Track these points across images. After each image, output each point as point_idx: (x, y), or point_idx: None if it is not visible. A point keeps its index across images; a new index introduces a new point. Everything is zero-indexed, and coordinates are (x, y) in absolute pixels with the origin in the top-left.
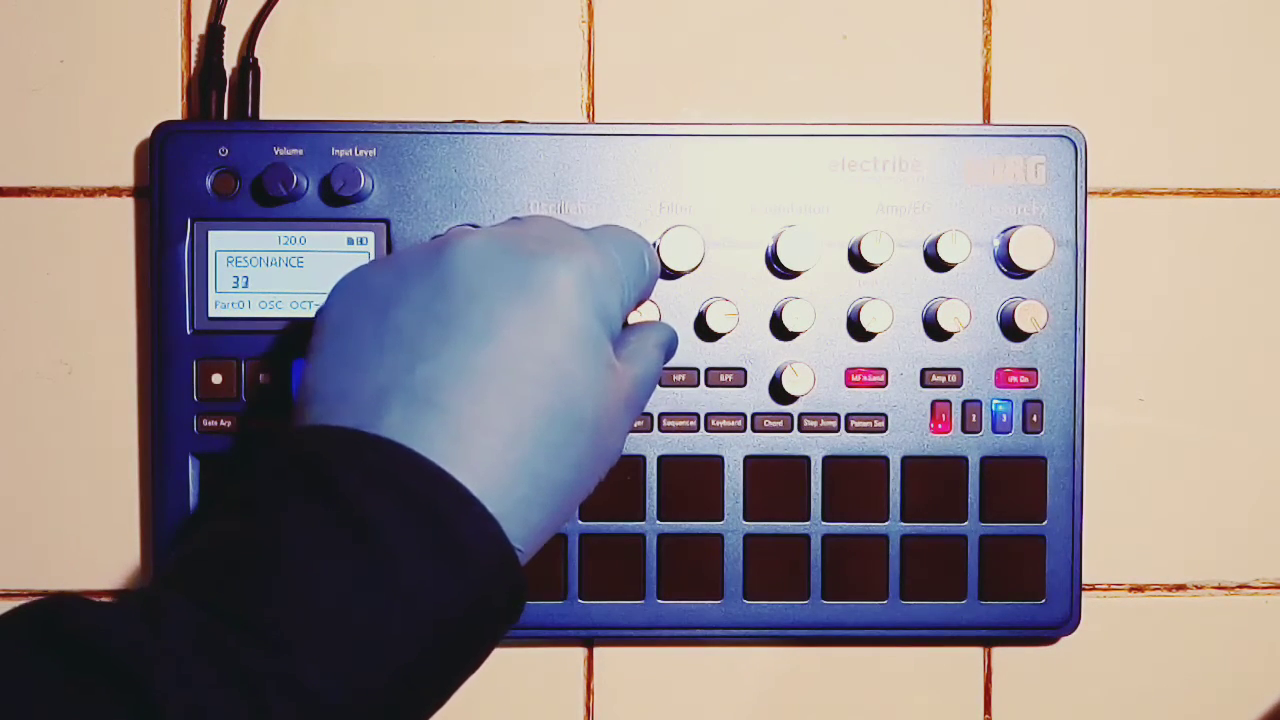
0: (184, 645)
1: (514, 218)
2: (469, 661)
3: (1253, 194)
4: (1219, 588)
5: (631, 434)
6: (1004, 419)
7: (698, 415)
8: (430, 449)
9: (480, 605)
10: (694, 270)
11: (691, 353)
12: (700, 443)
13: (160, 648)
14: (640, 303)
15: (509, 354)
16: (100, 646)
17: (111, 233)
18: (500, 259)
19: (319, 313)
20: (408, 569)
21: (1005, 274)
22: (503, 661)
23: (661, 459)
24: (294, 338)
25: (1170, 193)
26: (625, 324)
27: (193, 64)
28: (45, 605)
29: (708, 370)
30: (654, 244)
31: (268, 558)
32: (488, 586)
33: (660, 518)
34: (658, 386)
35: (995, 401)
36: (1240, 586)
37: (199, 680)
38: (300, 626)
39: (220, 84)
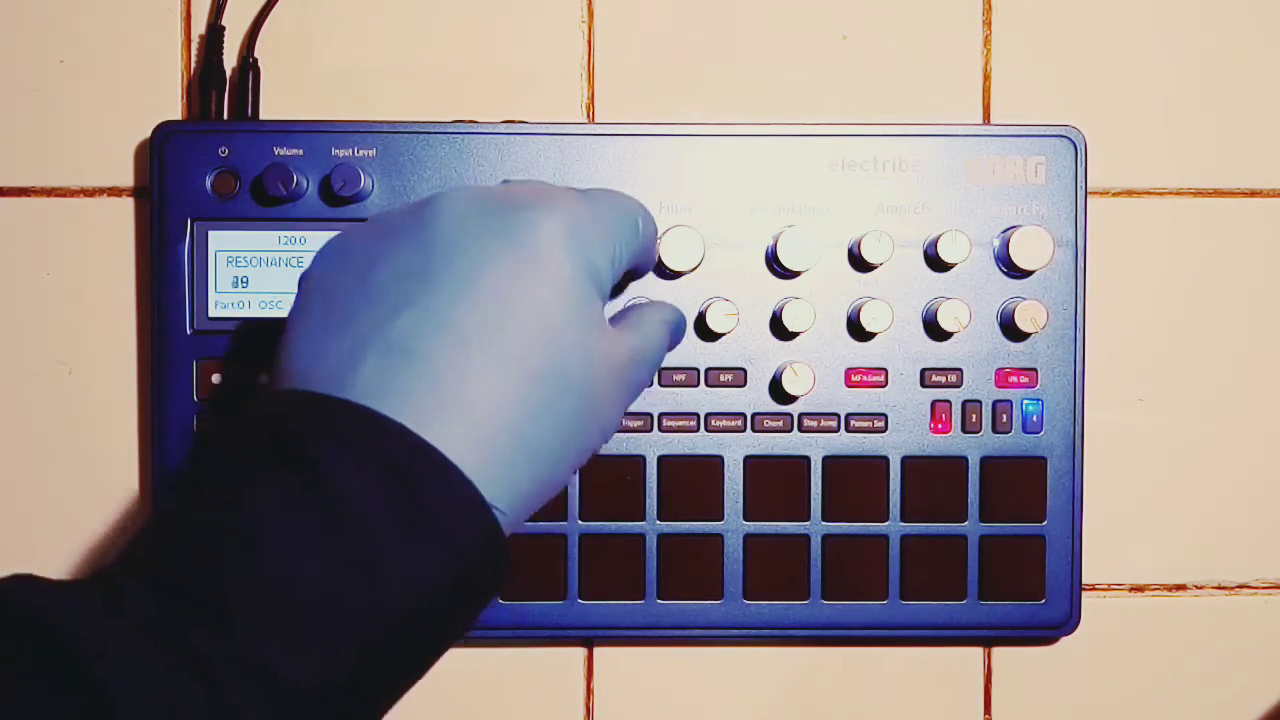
0: (138, 629)
1: (505, 180)
2: (447, 636)
3: (1253, 194)
4: (1219, 588)
5: (631, 434)
6: (1004, 419)
7: (698, 415)
8: (406, 403)
9: (459, 575)
10: (694, 270)
11: (691, 353)
12: (700, 443)
13: (112, 631)
14: (638, 268)
15: (491, 304)
16: (48, 628)
17: (111, 233)
18: (482, 211)
19: (301, 276)
20: (377, 540)
21: (1005, 274)
22: (503, 661)
23: (661, 459)
24: None
25: (1170, 193)
26: (625, 294)
27: (193, 64)
28: (2, 583)
29: (708, 370)
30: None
31: (225, 534)
32: (467, 556)
33: (660, 518)
34: (657, 386)
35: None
36: (1240, 586)
37: (153, 666)
38: (260, 606)
39: (220, 84)
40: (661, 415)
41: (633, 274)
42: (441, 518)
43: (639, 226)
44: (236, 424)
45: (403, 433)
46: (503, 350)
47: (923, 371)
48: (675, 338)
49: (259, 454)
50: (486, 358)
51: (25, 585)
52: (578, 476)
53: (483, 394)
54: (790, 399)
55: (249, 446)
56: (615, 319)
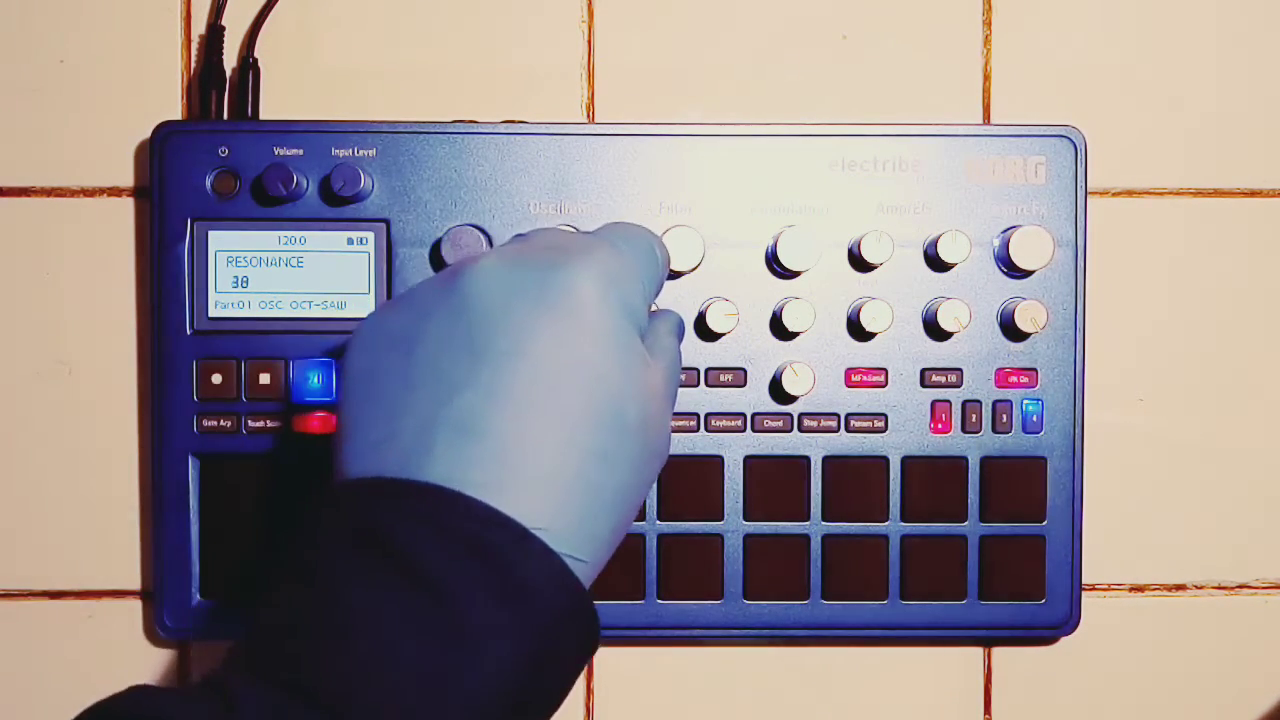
0: None
1: (518, 235)
2: (548, 702)
3: (1253, 194)
4: (1219, 588)
5: None
6: (1004, 419)
7: (698, 415)
8: (480, 480)
9: (551, 640)
10: (694, 270)
11: (691, 353)
12: (700, 443)
13: None
14: (656, 294)
15: (542, 368)
16: None
17: (111, 233)
18: (514, 275)
19: (341, 365)
20: (471, 615)
21: (1005, 274)
22: None
23: None
24: (294, 338)
25: (1170, 193)
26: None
27: (193, 64)
28: (123, 698)
29: (708, 370)
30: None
31: (328, 628)
32: (556, 619)
33: (660, 518)
34: None
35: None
36: (1240, 586)
37: None
38: (369, 694)
39: (220, 84)
40: None
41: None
42: (528, 587)
43: (657, 255)
44: (323, 516)
45: (481, 508)
46: (562, 412)
47: (923, 371)
48: (680, 341)
49: (351, 544)
50: (547, 423)
51: (144, 697)
52: None
53: (549, 458)
54: (790, 399)
55: (340, 539)
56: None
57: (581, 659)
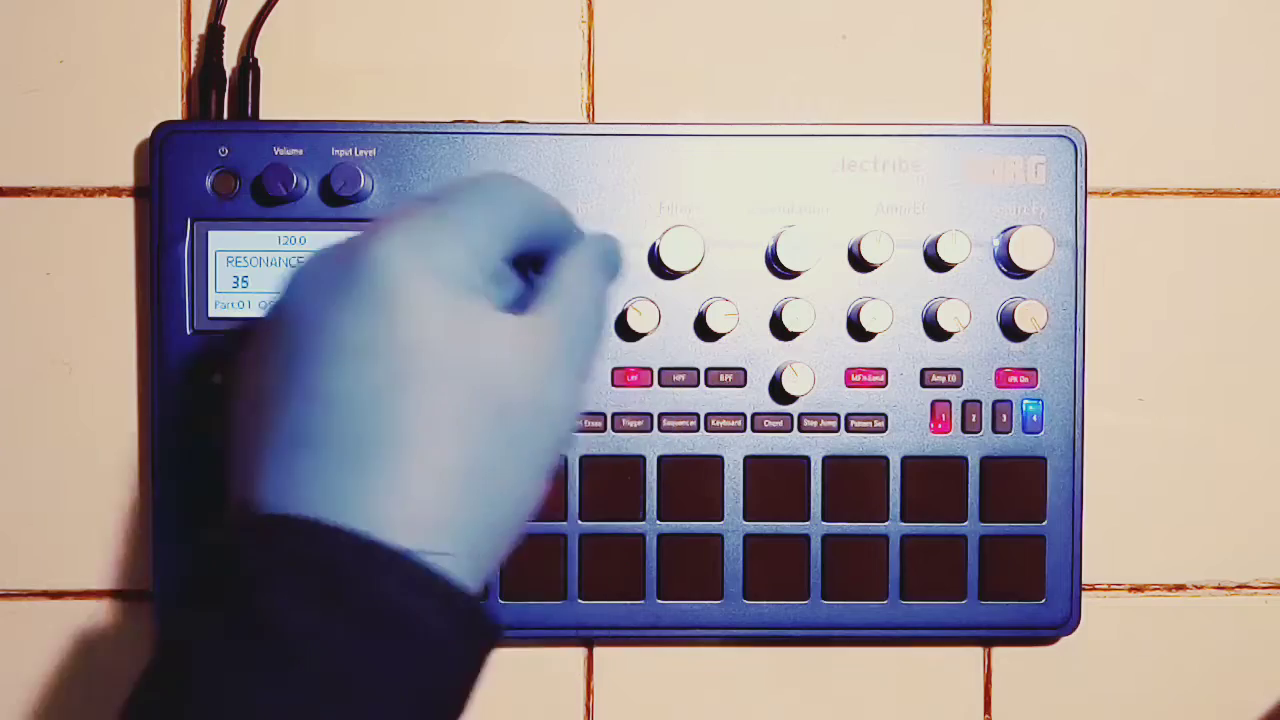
0: None
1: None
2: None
3: (1253, 194)
4: (1219, 588)
5: (631, 434)
6: (1004, 419)
7: (698, 415)
8: (319, 496)
9: (440, 661)
10: (694, 270)
11: (691, 353)
12: (700, 443)
13: None
14: (521, 241)
15: (359, 366)
16: None
17: (111, 233)
18: (318, 276)
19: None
20: (336, 661)
21: (1005, 274)
22: (503, 661)
23: (661, 459)
24: None
25: (1170, 193)
26: (532, 271)
27: (193, 64)
28: None
29: (708, 370)
30: (654, 246)
31: (180, 697)
32: (439, 639)
33: (660, 518)
34: (657, 387)
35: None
36: (1240, 586)
37: None
38: None
39: (220, 84)
40: (661, 415)
41: (557, 245)
42: (401, 614)
43: (515, 206)
44: (194, 564)
45: (335, 533)
46: (391, 405)
47: (923, 371)
48: (611, 271)
49: (206, 601)
50: (381, 421)
51: None
52: (577, 477)
53: (398, 458)
54: (790, 399)
55: (199, 596)
56: (524, 293)
57: (471, 666)
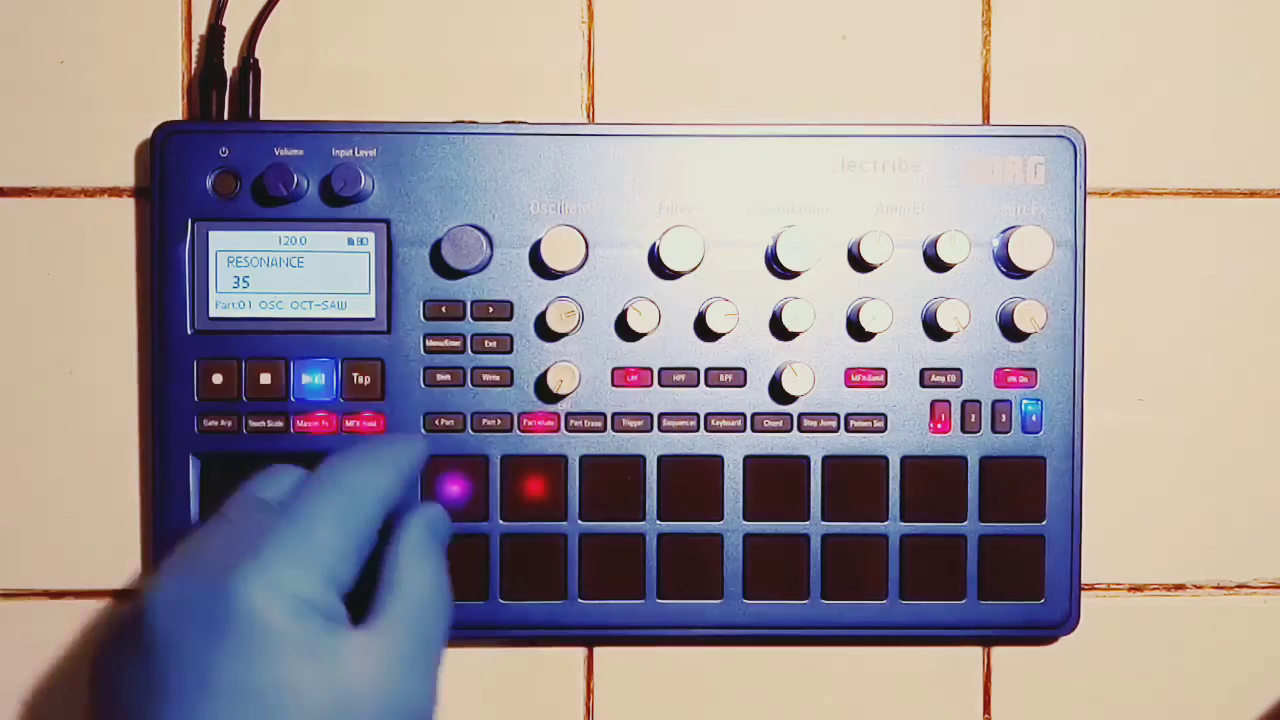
0: None
1: (220, 513)
2: None
3: (1253, 194)
4: (1219, 588)
5: (631, 434)
6: (1003, 419)
7: (698, 415)
8: None
9: None
10: (694, 270)
11: (691, 353)
12: (700, 443)
13: None
14: (375, 521)
15: (227, 708)
16: None
17: (111, 233)
18: (184, 595)
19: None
20: None
21: (1005, 274)
22: (503, 661)
23: (661, 459)
24: (295, 338)
25: (1170, 193)
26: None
27: (193, 64)
28: None
29: (708, 370)
30: (654, 246)
31: None
32: None
33: (660, 518)
34: (657, 387)
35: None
36: (1240, 586)
37: None
38: None
39: (220, 84)
40: (661, 415)
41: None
42: None
43: (365, 485)
44: None
45: None
46: None
47: (922, 371)
48: (440, 542)
49: None
50: None
51: None
52: (577, 477)
53: None
54: (790, 399)
55: None
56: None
57: None
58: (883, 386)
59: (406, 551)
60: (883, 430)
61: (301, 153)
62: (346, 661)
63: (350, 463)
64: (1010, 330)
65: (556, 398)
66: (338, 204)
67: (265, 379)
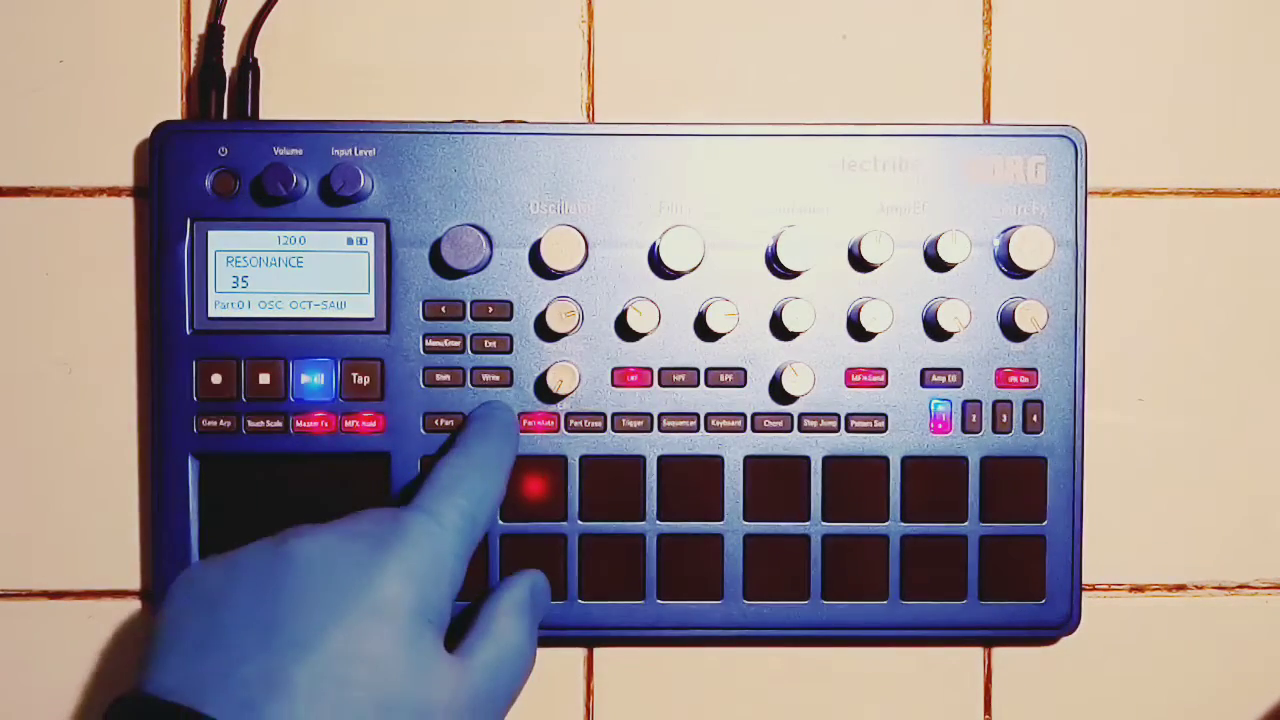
0: None
1: (352, 515)
2: None
3: (1253, 194)
4: (1219, 588)
5: (631, 434)
6: (1004, 419)
7: (698, 415)
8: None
9: None
10: (694, 270)
11: (691, 353)
12: (700, 443)
13: None
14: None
15: (326, 663)
16: None
17: (111, 233)
18: (329, 565)
19: (157, 608)
20: None
21: (1005, 274)
22: None
23: (661, 459)
24: (294, 338)
25: (1170, 193)
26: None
27: (193, 64)
28: None
29: (708, 370)
30: (654, 246)
31: None
32: None
33: (660, 518)
34: (657, 387)
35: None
36: (1240, 586)
37: None
38: None
39: (220, 84)
40: (661, 415)
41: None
42: None
43: (473, 526)
44: None
45: None
46: (334, 705)
47: (923, 371)
48: (540, 609)
49: None
50: (315, 713)
51: None
52: (577, 477)
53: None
54: (790, 399)
55: None
56: (461, 634)
57: None
58: (883, 386)
59: (509, 603)
60: (883, 430)
61: (301, 152)
62: (431, 681)
63: (492, 440)
64: (1011, 330)
65: (556, 398)
66: (337, 204)
67: (264, 379)
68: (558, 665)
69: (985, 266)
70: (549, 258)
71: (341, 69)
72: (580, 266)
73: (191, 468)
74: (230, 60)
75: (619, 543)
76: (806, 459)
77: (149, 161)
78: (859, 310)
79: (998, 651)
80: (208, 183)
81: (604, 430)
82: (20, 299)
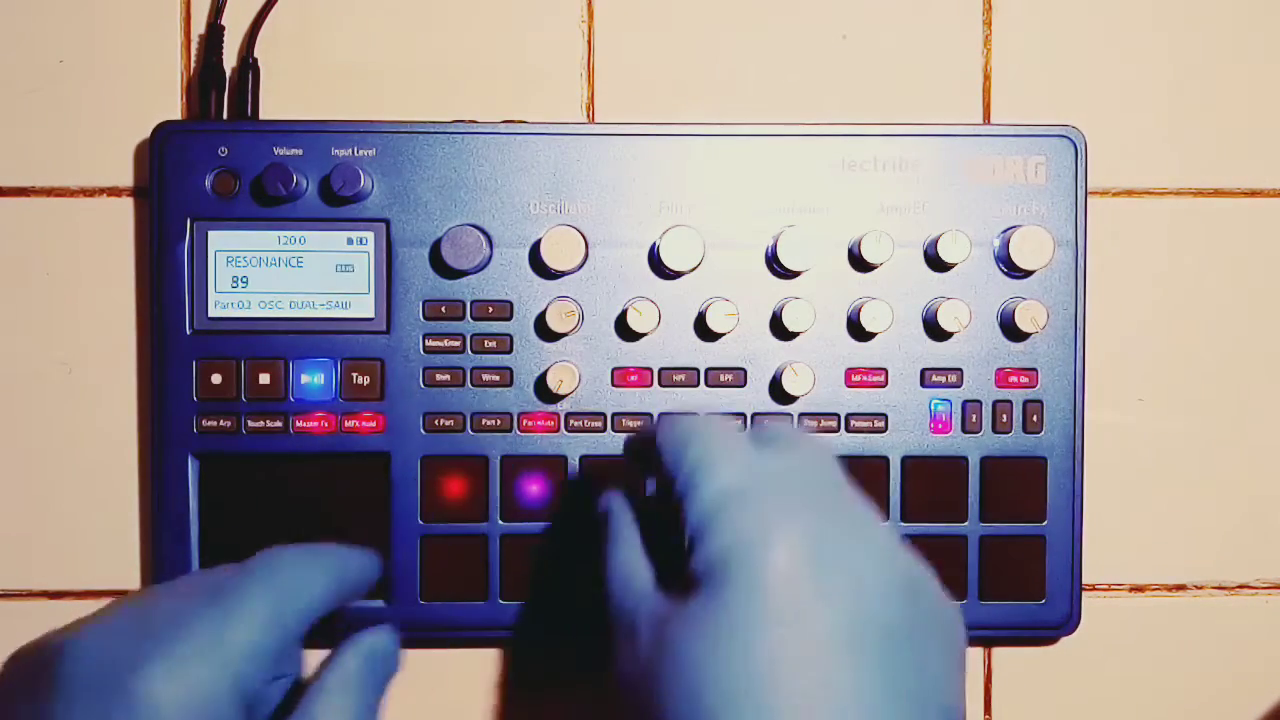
0: None
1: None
2: None
3: (1253, 194)
4: (1219, 588)
5: (631, 434)
6: (1004, 419)
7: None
8: None
9: None
10: (694, 270)
11: (691, 353)
12: None
13: None
14: (354, 590)
15: None
16: None
17: (111, 233)
18: (86, 670)
19: None
20: None
21: (1005, 274)
22: (503, 662)
23: None
24: (294, 338)
25: (1170, 193)
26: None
27: (192, 64)
28: None
29: (708, 370)
30: (654, 246)
31: None
32: None
33: None
34: (657, 387)
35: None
36: (1240, 586)
37: None
38: None
39: (220, 84)
40: (661, 415)
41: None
42: None
43: (302, 591)
44: None
45: None
46: None
47: (923, 371)
48: (381, 679)
49: None
50: None
51: None
52: (579, 476)
53: None
54: (790, 399)
55: None
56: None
57: None
58: (883, 386)
59: (333, 684)
60: (883, 430)
61: (300, 152)
62: None
63: (286, 559)
64: (1011, 330)
65: (556, 398)
66: (337, 204)
67: (264, 379)
68: (559, 665)
69: (985, 266)
70: (549, 258)
71: (341, 69)
72: (580, 266)
73: (191, 468)
74: (230, 60)
75: None
76: None
77: (149, 161)
78: (859, 310)
79: (997, 651)
80: (208, 183)
81: (604, 430)
82: (20, 299)
